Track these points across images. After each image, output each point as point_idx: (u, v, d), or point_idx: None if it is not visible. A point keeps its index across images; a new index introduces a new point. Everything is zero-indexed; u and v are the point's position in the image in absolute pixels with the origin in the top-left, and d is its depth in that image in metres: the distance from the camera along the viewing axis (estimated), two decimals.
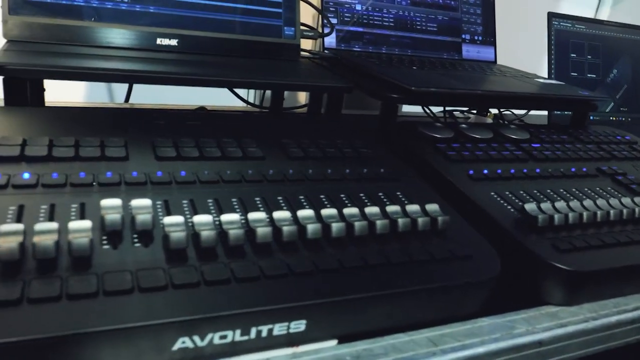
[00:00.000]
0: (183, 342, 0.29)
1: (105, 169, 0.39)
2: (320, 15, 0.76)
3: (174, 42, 0.64)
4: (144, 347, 0.28)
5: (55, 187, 0.36)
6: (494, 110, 0.94)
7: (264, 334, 0.31)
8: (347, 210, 0.38)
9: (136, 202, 0.34)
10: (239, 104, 1.06)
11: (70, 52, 0.55)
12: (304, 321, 0.32)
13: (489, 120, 0.92)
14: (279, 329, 0.31)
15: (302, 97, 1.00)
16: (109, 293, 0.29)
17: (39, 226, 0.30)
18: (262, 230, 0.34)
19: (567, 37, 0.88)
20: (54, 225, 0.30)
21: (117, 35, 0.61)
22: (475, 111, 0.93)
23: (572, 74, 0.88)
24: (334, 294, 0.32)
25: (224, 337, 0.30)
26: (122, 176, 0.39)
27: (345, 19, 0.78)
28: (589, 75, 0.90)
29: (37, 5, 0.58)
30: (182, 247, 0.32)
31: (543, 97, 0.67)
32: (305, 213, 0.37)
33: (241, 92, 0.87)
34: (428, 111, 0.86)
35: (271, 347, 0.32)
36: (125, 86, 0.79)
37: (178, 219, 0.33)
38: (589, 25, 0.91)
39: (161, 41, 0.63)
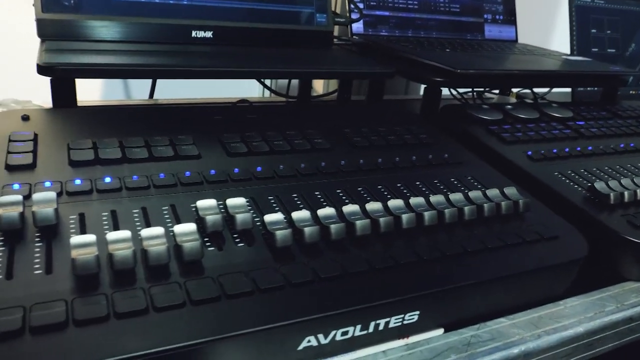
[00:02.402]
0: (308, 342, 0.29)
1: (183, 169, 0.38)
2: (347, 1, 0.75)
3: (209, 34, 0.62)
4: (270, 350, 0.28)
5: (139, 189, 0.35)
6: (515, 90, 0.94)
7: (381, 327, 0.31)
8: (433, 199, 0.38)
9: (232, 202, 0.34)
10: (256, 95, 1.05)
11: (109, 50, 0.54)
12: (417, 312, 0.32)
13: (513, 99, 0.92)
14: (394, 321, 0.31)
15: (320, 85, 0.99)
16: (231, 296, 0.28)
17: (145, 232, 0.29)
18: (361, 223, 0.34)
19: (587, 12, 0.88)
20: (159, 230, 0.30)
21: (152, 30, 0.59)
22: (497, 91, 0.93)
23: (594, 49, 0.89)
24: (443, 283, 0.32)
25: (346, 333, 0.30)
26: (201, 175, 0.38)
27: (371, 3, 0.77)
28: (609, 50, 0.91)
29: (70, 3, 0.56)
30: (287, 245, 0.32)
31: (582, 74, 0.67)
32: (396, 203, 0.37)
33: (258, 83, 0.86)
34: (455, 93, 0.86)
35: (384, 340, 0.32)
36: (144, 82, 0.77)
37: (278, 216, 0.33)
38: (607, 0, 0.91)
39: (196, 34, 0.62)
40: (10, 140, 0.38)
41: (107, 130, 0.42)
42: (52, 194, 0.31)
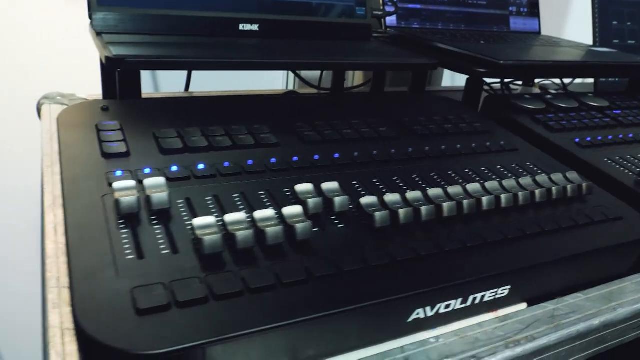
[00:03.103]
0: (417, 314, 0.31)
1: (266, 156, 0.40)
2: None
3: (255, 27, 0.64)
4: (383, 322, 0.30)
5: (232, 175, 0.37)
6: (537, 81, 0.97)
7: (477, 300, 0.33)
8: (506, 183, 0.40)
9: (326, 186, 0.35)
10: (280, 87, 1.07)
11: (166, 42, 0.55)
12: (508, 287, 0.34)
13: (537, 90, 0.94)
14: (489, 295, 0.33)
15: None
16: (347, 273, 0.30)
17: (258, 214, 0.31)
18: (448, 205, 0.36)
19: (608, 5, 0.91)
20: (271, 212, 0.31)
21: (202, 23, 0.61)
22: (520, 82, 0.95)
23: (615, 40, 0.91)
24: (529, 260, 0.34)
25: (448, 306, 0.32)
26: (285, 162, 0.40)
27: None
28: (629, 41, 0.93)
29: None
30: (385, 225, 0.34)
31: (615, 65, 0.69)
32: (473, 187, 0.39)
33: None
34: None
35: (476, 314, 0.34)
36: (172, 75, 0.79)
37: (372, 199, 0.35)
38: None
39: (243, 27, 0.63)
40: (99, 130, 0.40)
41: (181, 120, 0.44)
42: (162, 180, 0.33)
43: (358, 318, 0.29)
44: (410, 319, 0.31)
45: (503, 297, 0.34)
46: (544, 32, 0.95)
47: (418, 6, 0.80)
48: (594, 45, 0.88)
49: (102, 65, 0.60)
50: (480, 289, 0.32)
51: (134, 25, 0.57)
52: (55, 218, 0.35)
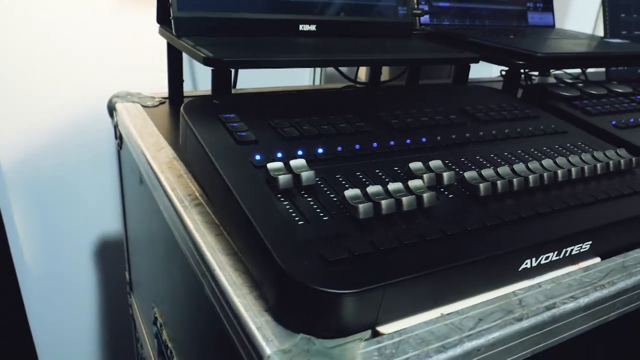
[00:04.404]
0: (526, 263, 0.38)
1: (369, 140, 0.47)
2: None
3: (313, 27, 0.70)
4: (502, 270, 0.37)
5: (346, 158, 0.44)
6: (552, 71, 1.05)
7: (567, 254, 0.40)
8: (571, 159, 0.48)
9: (434, 163, 0.42)
10: (306, 83, 1.13)
11: (241, 43, 0.61)
12: (590, 242, 0.41)
13: (552, 79, 1.02)
14: (577, 249, 0.40)
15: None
16: (472, 232, 0.37)
17: (412, 183, 0.38)
18: (533, 177, 0.43)
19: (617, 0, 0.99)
20: (419, 182, 0.38)
21: (269, 24, 0.67)
22: (537, 72, 1.04)
23: (623, 32, 1.00)
24: (605, 219, 0.42)
25: (547, 257, 0.39)
26: (386, 145, 0.47)
27: None
28: (635, 32, 1.02)
29: (201, 1, 0.63)
30: (488, 194, 0.41)
31: (636, 55, 0.78)
32: (547, 162, 0.46)
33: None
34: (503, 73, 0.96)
35: (563, 266, 0.41)
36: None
37: (474, 173, 0.42)
38: None
39: (303, 27, 0.70)
40: (223, 122, 0.46)
41: (279, 112, 0.50)
42: (303, 161, 0.39)
43: (484, 267, 0.36)
44: (520, 268, 0.38)
45: (585, 251, 0.41)
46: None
47: (447, 4, 0.88)
48: (606, 36, 0.96)
49: (170, 66, 0.66)
50: (570, 244, 0.40)
51: (210, 28, 0.63)
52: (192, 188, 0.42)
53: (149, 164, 0.55)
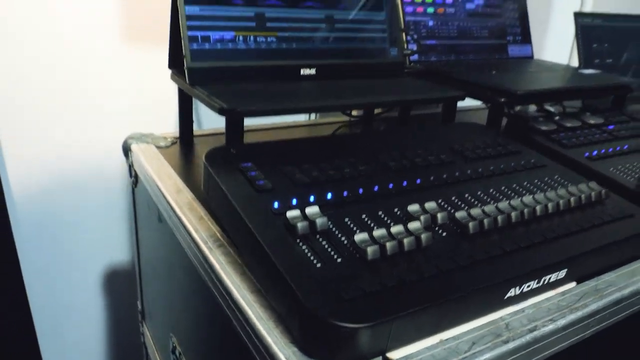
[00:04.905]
0: (511, 292, 0.44)
1: (370, 184, 0.53)
2: (405, 35, 0.91)
3: (312, 71, 0.77)
4: (489, 299, 0.44)
5: (354, 202, 0.50)
6: None
7: (546, 281, 0.47)
8: (548, 194, 0.55)
9: (428, 205, 0.49)
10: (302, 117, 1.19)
11: (250, 90, 0.67)
12: (565, 269, 0.48)
13: (534, 107, 1.10)
14: (554, 276, 0.47)
15: None
16: (464, 267, 0.43)
17: (412, 225, 0.44)
18: (515, 214, 0.50)
19: (589, 30, 1.07)
20: (417, 224, 0.45)
21: (274, 70, 0.73)
22: None
23: (596, 60, 1.08)
24: (579, 249, 0.49)
25: (529, 285, 0.45)
26: (385, 188, 0.53)
27: (422, 34, 0.94)
28: (607, 60, 1.10)
29: (212, 53, 0.70)
30: (476, 232, 0.47)
31: (605, 87, 0.85)
32: (527, 199, 0.53)
33: None
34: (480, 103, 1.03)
35: (543, 292, 0.48)
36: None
37: (464, 213, 0.48)
38: (603, 18, 1.10)
39: (304, 71, 0.76)
40: (243, 171, 0.52)
41: (288, 159, 0.56)
42: (316, 208, 0.46)
43: (475, 298, 0.42)
44: (505, 297, 0.44)
45: (562, 278, 0.48)
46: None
47: (434, 42, 0.95)
48: (580, 66, 1.04)
49: (181, 109, 0.72)
50: (548, 272, 0.46)
51: (220, 76, 0.70)
52: (211, 229, 0.48)
53: (170, 205, 0.61)
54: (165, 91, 1.01)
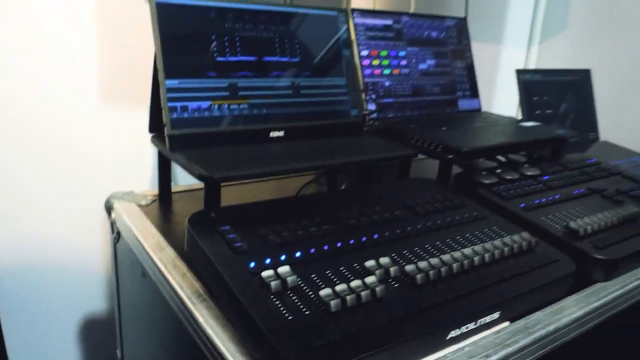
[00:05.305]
0: (452, 334, 0.54)
1: (334, 241, 0.62)
2: (364, 94, 1.02)
3: (281, 133, 0.87)
4: (433, 340, 0.53)
5: (320, 259, 0.59)
6: None
7: (482, 322, 0.56)
8: (486, 245, 0.65)
9: (383, 260, 0.58)
10: None
11: (226, 155, 0.76)
12: (499, 311, 0.58)
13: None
14: (488, 318, 0.57)
15: None
16: (410, 315, 0.53)
17: (355, 283, 0.53)
18: (456, 265, 0.60)
19: (530, 85, 1.21)
20: (373, 279, 0.54)
21: (247, 135, 0.83)
22: None
23: (537, 112, 1.21)
24: (510, 293, 0.59)
25: (467, 327, 0.55)
26: (347, 244, 0.62)
27: (380, 93, 1.05)
28: (547, 111, 1.24)
29: (190, 121, 0.79)
30: (423, 282, 0.57)
31: (543, 140, 0.98)
32: (467, 251, 0.63)
33: None
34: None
35: (480, 332, 0.57)
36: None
37: (413, 266, 0.58)
38: (542, 74, 1.25)
39: (273, 134, 0.86)
40: (222, 234, 0.61)
41: (260, 221, 0.65)
42: (287, 268, 0.55)
43: (421, 340, 0.51)
44: (447, 338, 0.54)
45: (496, 319, 0.58)
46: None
47: (391, 100, 1.07)
48: (523, 118, 1.17)
49: (160, 170, 0.80)
50: (483, 315, 0.56)
51: (198, 142, 0.79)
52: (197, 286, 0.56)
53: (154, 262, 0.69)
54: (142, 150, 1.09)
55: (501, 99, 1.63)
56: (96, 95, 1.03)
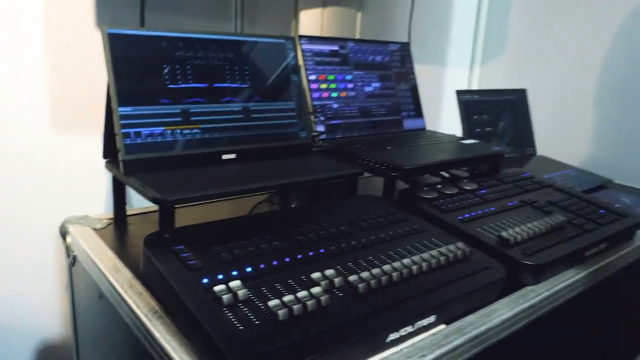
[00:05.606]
0: (391, 337, 0.59)
1: (282, 256, 0.67)
2: (313, 117, 1.08)
3: (233, 155, 0.92)
4: (372, 343, 0.58)
5: (270, 273, 0.64)
6: None
7: (420, 325, 0.62)
8: (424, 255, 0.71)
9: (328, 272, 0.64)
10: None
11: (179, 178, 0.81)
12: (435, 315, 0.64)
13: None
14: (425, 322, 0.63)
15: None
16: (356, 318, 0.58)
17: (301, 293, 0.58)
18: (396, 274, 0.66)
19: (469, 104, 1.30)
20: (319, 289, 0.59)
21: (200, 158, 0.87)
22: None
23: (476, 130, 1.31)
24: (443, 299, 0.65)
25: (406, 330, 0.61)
26: (295, 259, 0.67)
27: (328, 115, 1.12)
28: (486, 128, 1.33)
29: (144, 146, 0.83)
30: (365, 291, 0.62)
31: (481, 156, 1.06)
32: (406, 261, 0.69)
33: None
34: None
35: (420, 334, 0.63)
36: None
37: (356, 277, 0.64)
38: (480, 94, 1.34)
39: (225, 156, 0.91)
40: (176, 253, 0.65)
41: (213, 239, 0.69)
42: (238, 282, 0.59)
43: (364, 342, 0.57)
44: (387, 340, 0.59)
45: (432, 322, 0.64)
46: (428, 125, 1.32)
47: (339, 121, 1.13)
48: (464, 136, 1.26)
49: (115, 194, 0.84)
50: (420, 319, 0.62)
51: (152, 166, 0.82)
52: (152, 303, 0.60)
53: (111, 284, 0.72)
54: (96, 174, 1.11)
55: (448, 117, 1.73)
56: (49, 121, 1.06)
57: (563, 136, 1.60)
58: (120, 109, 0.82)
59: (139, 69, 0.84)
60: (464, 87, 1.80)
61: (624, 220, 0.97)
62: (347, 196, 0.96)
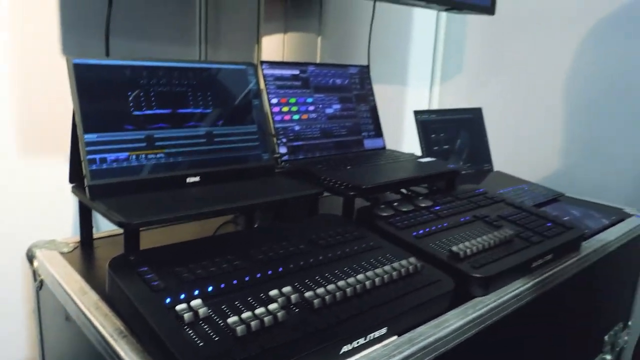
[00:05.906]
0: (345, 348, 0.64)
1: (243, 275, 0.72)
2: (275, 139, 1.13)
3: (197, 178, 0.96)
4: (327, 355, 0.63)
5: (230, 292, 0.68)
6: None
7: (372, 337, 0.67)
8: (377, 271, 0.76)
9: (285, 289, 0.68)
10: None
11: (144, 201, 0.84)
12: (386, 327, 0.69)
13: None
14: (377, 334, 0.68)
15: None
16: (311, 333, 0.62)
17: (259, 310, 0.63)
18: (350, 289, 0.71)
19: (427, 124, 1.37)
20: (275, 305, 0.63)
21: (164, 181, 0.91)
22: None
23: (435, 148, 1.37)
24: (396, 311, 0.70)
25: (358, 342, 0.65)
26: (254, 277, 0.72)
27: (290, 137, 1.17)
28: (444, 146, 1.40)
29: (109, 171, 0.86)
30: (320, 306, 0.67)
31: (437, 174, 1.12)
32: (360, 277, 0.74)
33: None
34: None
35: (373, 345, 0.68)
36: None
37: (312, 293, 0.68)
38: (437, 114, 1.42)
39: (189, 179, 0.95)
40: (140, 274, 0.69)
41: (177, 260, 0.73)
42: (199, 301, 0.63)
43: (318, 355, 0.61)
44: (341, 352, 0.64)
45: (384, 334, 0.69)
46: (388, 143, 1.39)
47: (301, 143, 1.18)
48: (422, 154, 1.33)
49: (81, 217, 0.88)
50: (371, 331, 0.67)
51: (117, 190, 0.86)
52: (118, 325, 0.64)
53: (78, 306, 0.75)
54: (63, 199, 1.14)
55: (409, 136, 1.80)
56: (15, 146, 1.08)
57: (519, 152, 1.69)
58: (86, 136, 0.85)
59: (104, 97, 0.88)
60: (425, 106, 1.89)
61: (569, 232, 1.05)
62: (309, 215, 1.00)
